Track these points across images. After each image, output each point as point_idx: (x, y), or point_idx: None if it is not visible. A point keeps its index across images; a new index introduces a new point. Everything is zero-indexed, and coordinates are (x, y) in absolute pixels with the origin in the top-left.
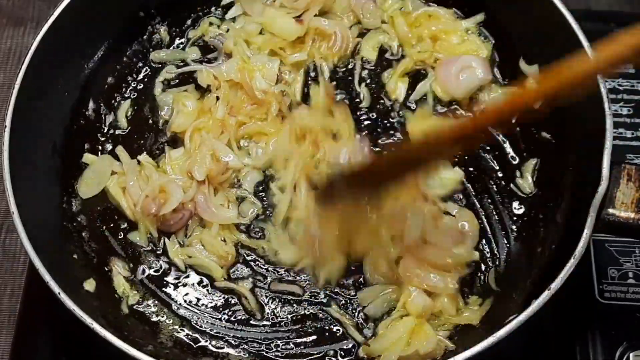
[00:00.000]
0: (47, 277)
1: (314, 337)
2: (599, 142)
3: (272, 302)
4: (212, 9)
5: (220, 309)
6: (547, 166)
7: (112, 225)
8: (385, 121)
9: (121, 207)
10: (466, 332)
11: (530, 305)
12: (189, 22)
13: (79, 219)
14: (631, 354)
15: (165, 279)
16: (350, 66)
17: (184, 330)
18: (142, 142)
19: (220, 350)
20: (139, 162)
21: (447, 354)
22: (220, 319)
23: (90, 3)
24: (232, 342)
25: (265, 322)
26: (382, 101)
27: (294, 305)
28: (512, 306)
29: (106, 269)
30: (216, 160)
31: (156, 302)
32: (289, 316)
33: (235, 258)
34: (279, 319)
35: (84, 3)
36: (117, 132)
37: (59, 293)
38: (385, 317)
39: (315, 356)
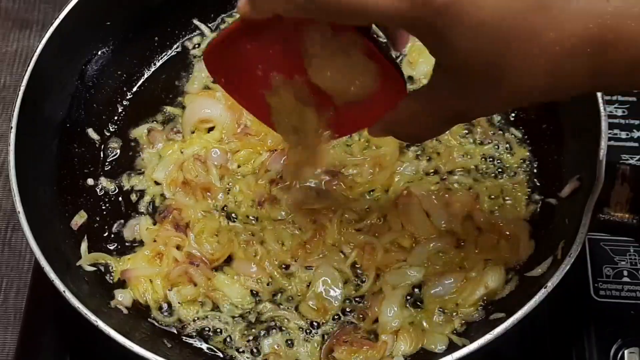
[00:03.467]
0: (52, 276)
1: None
2: (593, 143)
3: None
4: (212, 15)
5: None
6: (542, 166)
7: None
8: None
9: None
10: (462, 329)
11: (527, 304)
12: (192, 26)
13: None
14: (626, 351)
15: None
16: None
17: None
18: None
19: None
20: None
21: (444, 352)
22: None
23: (94, 7)
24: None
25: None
26: None
27: None
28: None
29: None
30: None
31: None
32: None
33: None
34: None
35: (88, 7)
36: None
37: (64, 291)
38: None
39: None
